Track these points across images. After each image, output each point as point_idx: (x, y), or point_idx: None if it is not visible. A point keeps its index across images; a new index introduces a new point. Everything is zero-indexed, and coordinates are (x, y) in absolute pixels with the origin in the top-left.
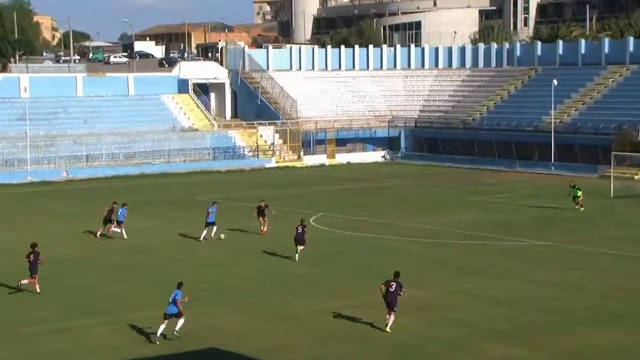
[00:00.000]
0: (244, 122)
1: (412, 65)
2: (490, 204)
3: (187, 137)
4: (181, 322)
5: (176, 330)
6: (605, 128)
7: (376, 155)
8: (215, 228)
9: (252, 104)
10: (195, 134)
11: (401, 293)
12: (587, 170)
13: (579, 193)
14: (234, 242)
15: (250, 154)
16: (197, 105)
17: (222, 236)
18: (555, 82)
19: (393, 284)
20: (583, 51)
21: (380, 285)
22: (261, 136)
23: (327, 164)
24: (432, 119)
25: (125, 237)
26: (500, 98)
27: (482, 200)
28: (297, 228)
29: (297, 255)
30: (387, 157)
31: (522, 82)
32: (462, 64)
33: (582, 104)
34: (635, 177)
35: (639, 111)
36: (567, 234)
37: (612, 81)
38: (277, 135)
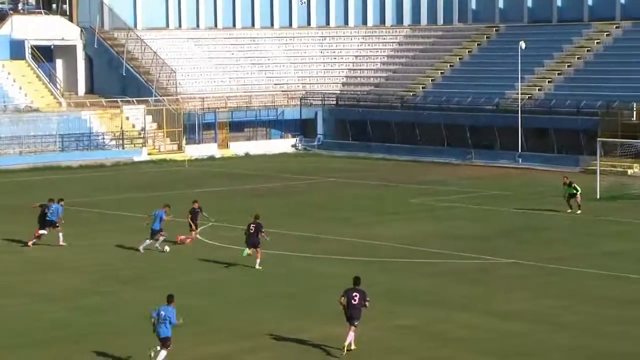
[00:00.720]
0: (103, 100)
1: (332, 22)
2: (439, 209)
3: (23, 120)
4: (164, 354)
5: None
6: (588, 106)
7: (285, 144)
8: (162, 237)
9: (115, 74)
10: (36, 116)
11: (367, 304)
12: (566, 162)
13: (578, 191)
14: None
15: (113, 143)
16: (38, 77)
17: (167, 248)
18: (522, 44)
19: (356, 296)
20: (559, 3)
21: (338, 298)
22: (127, 119)
23: (217, 156)
24: (359, 95)
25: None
26: (450, 66)
27: (428, 204)
28: (249, 226)
29: (244, 254)
30: (300, 146)
31: (478, 44)
32: (399, 20)
33: (559, 74)
34: (629, 171)
35: (633, 83)
36: (543, 249)
37: (598, 43)
38: (149, 118)
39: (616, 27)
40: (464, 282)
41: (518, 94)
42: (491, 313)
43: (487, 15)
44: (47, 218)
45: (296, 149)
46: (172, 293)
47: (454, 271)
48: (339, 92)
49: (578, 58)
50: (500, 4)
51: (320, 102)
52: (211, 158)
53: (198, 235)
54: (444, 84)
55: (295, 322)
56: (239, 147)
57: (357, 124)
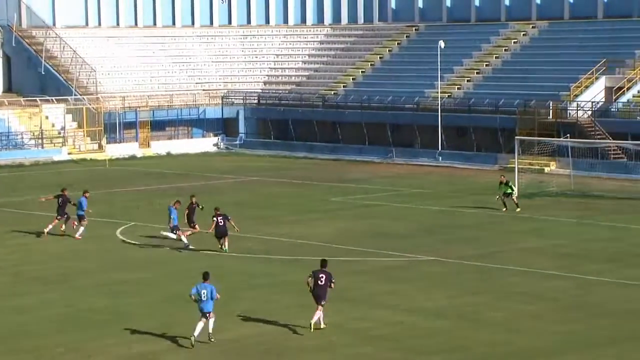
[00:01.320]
0: (22, 99)
1: (253, 21)
2: (360, 207)
3: None
4: (213, 321)
5: (211, 333)
6: (507, 105)
7: (206, 143)
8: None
9: (34, 73)
10: None
11: (332, 285)
12: (485, 160)
13: (514, 191)
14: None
15: (32, 142)
16: None
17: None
18: (442, 43)
19: (322, 277)
20: (477, 3)
21: (306, 279)
22: (47, 118)
23: (139, 155)
24: (281, 93)
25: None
26: (371, 65)
27: (349, 202)
28: (216, 219)
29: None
30: (222, 145)
31: (398, 43)
32: (320, 19)
33: (477, 73)
34: (547, 169)
35: (549, 82)
36: (464, 246)
37: (515, 43)
38: (69, 117)
39: (532, 27)
40: (386, 279)
41: (438, 92)
42: (414, 310)
43: (407, 15)
44: (78, 213)
45: (218, 148)
46: (207, 271)
47: (376, 269)
48: (260, 91)
49: (496, 57)
50: (420, 4)
51: (242, 101)
52: (132, 157)
53: (118, 234)
54: (365, 83)
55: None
56: (160, 147)
57: (278, 123)
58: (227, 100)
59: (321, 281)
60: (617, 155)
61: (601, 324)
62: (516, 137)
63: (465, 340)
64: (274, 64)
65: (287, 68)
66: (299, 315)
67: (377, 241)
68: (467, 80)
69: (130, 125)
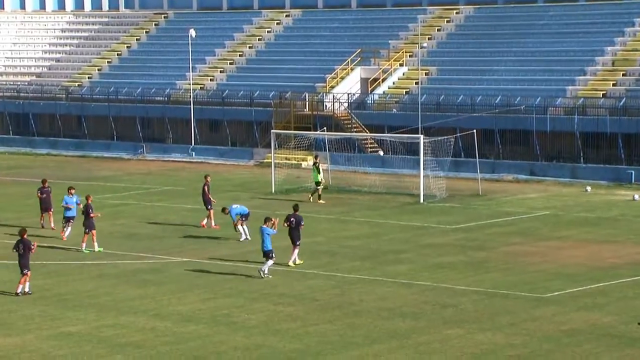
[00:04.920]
0: None
1: None
2: (108, 207)
3: None
4: (270, 262)
5: (266, 272)
6: (262, 97)
7: None
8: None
9: None
10: None
11: (301, 227)
12: (241, 155)
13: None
14: None
15: None
16: None
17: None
18: (192, 32)
19: (292, 220)
20: None
21: (282, 224)
22: None
23: None
24: (20, 85)
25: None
26: (118, 55)
27: (97, 201)
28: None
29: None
30: None
31: (147, 32)
32: (61, 5)
33: (231, 64)
34: (304, 163)
35: (305, 73)
36: (218, 247)
37: (269, 32)
38: None
39: (286, 16)
40: (135, 283)
41: (190, 84)
42: (165, 315)
43: (155, 1)
44: (66, 215)
45: None
46: (268, 216)
47: (124, 272)
48: None
49: (250, 47)
50: None
51: None
52: None
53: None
54: (111, 74)
55: None
56: None
57: (18, 116)
58: None
59: (292, 224)
60: (373, 149)
61: (358, 322)
62: (272, 130)
63: (219, 345)
64: (11, 53)
65: (25, 58)
66: (45, 324)
67: (125, 242)
68: (220, 71)
69: None
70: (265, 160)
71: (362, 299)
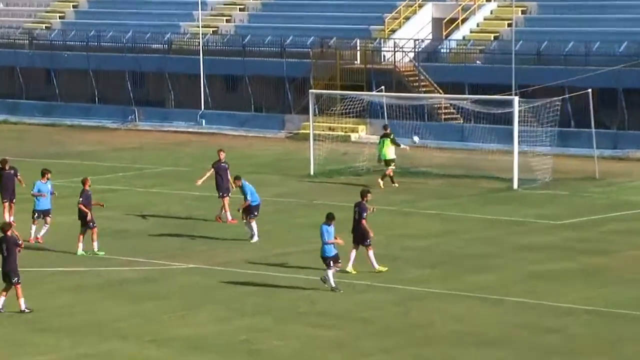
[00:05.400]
0: None
1: None
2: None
3: None
4: (332, 271)
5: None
6: (297, 44)
7: None
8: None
9: None
10: None
11: (363, 221)
12: (267, 124)
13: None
14: None
15: None
16: None
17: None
18: None
19: (355, 210)
20: None
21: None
22: None
23: None
24: None
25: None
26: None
27: (73, 186)
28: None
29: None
30: None
31: None
32: None
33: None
34: (354, 135)
35: (354, 12)
36: (251, 249)
37: None
38: None
39: None
40: (123, 297)
41: (199, 27)
42: (164, 341)
43: None
44: (38, 208)
45: None
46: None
47: (109, 283)
48: None
49: None
50: None
51: None
52: None
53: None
54: (90, 13)
55: None
56: None
57: None
58: None
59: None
60: (449, 116)
61: (427, 353)
62: (310, 90)
63: None
64: None
65: None
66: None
67: (112, 243)
68: (240, 9)
69: None
70: (301, 131)
71: (433, 321)
